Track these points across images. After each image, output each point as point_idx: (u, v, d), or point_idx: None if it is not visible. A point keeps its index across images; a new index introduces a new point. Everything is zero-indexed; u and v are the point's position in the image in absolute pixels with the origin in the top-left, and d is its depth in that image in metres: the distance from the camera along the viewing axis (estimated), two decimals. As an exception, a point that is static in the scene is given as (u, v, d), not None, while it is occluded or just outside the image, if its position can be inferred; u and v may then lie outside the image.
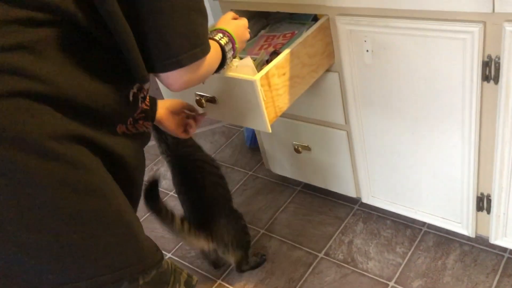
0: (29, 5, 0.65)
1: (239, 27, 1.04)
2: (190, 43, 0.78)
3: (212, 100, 1.17)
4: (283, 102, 1.16)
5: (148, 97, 0.90)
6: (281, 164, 1.75)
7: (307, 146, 1.57)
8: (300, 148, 1.59)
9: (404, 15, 1.08)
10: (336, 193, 1.68)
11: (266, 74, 1.08)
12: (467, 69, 1.05)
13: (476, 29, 0.98)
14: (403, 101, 1.22)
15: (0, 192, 0.63)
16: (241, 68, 1.16)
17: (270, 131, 1.14)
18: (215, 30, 0.99)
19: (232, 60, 1.09)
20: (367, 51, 1.20)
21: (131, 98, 0.82)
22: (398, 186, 1.42)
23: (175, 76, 0.80)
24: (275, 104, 1.14)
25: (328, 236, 1.59)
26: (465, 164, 1.22)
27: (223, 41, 0.96)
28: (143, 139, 0.90)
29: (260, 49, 1.35)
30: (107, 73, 0.75)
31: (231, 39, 1.00)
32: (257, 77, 1.06)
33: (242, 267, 1.51)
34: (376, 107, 1.29)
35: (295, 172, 1.73)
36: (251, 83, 1.05)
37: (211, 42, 0.96)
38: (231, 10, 1.43)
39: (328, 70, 1.32)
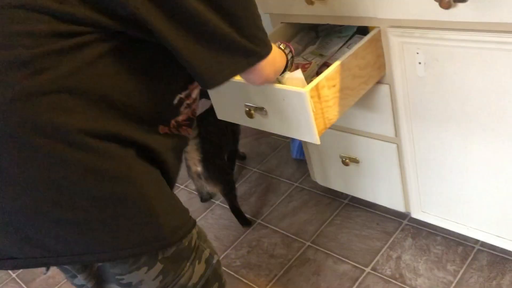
0: (68, 20, 0.68)
1: None
2: (262, 35, 0.82)
3: (261, 111, 1.18)
4: (332, 114, 1.16)
5: (194, 106, 0.93)
6: (328, 176, 1.74)
7: (355, 158, 1.56)
8: (348, 161, 1.58)
9: (458, 27, 1.06)
10: (384, 207, 1.65)
11: (316, 85, 1.08)
12: (526, 82, 1.02)
13: (537, 40, 0.95)
14: (457, 115, 1.19)
15: (33, 174, 0.68)
16: (291, 80, 1.17)
17: (319, 142, 1.14)
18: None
19: (287, 69, 1.11)
20: (420, 63, 1.18)
21: (175, 102, 0.85)
22: (450, 201, 1.38)
23: (258, 71, 0.85)
24: (324, 116, 1.13)
25: (375, 251, 1.56)
26: (523, 181, 1.18)
27: (282, 46, 1.05)
28: (183, 141, 0.93)
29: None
30: (152, 75, 0.78)
31: (287, 44, 1.08)
32: (307, 88, 1.06)
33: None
34: (428, 120, 1.26)
35: (342, 184, 1.71)
36: (300, 95, 1.06)
37: (274, 45, 0.99)
38: (281, 22, 1.45)
39: (378, 82, 1.31)
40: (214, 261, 0.96)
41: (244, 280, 1.60)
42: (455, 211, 1.39)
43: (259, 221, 1.83)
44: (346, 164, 1.59)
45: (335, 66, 1.13)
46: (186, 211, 0.89)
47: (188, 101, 0.89)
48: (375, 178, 1.56)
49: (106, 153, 0.72)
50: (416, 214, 1.52)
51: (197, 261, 0.91)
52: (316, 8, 1.28)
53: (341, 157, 1.59)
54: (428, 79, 1.19)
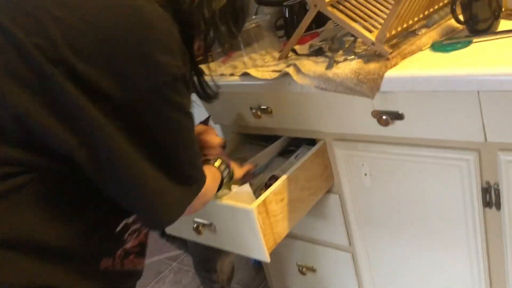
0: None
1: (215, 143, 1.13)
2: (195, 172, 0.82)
3: (210, 226, 1.15)
4: (282, 228, 1.14)
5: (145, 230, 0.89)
6: (286, 285, 1.68)
7: (312, 267, 1.52)
8: (304, 270, 1.53)
9: (400, 142, 1.09)
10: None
11: (263, 201, 1.07)
12: (467, 195, 1.04)
13: (471, 157, 0.98)
14: (406, 223, 1.20)
15: None
16: (240, 195, 1.15)
17: (269, 260, 1.10)
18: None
19: (230, 184, 1.11)
20: (366, 174, 1.20)
21: (118, 229, 0.81)
22: (409, 312, 1.34)
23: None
24: (274, 231, 1.11)
25: None
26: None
27: (217, 164, 1.04)
28: (127, 280, 0.87)
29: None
30: (90, 209, 0.75)
31: (225, 161, 1.07)
32: (254, 205, 1.05)
33: None
34: (380, 229, 1.26)
35: (300, 293, 1.65)
36: (247, 212, 1.04)
37: (208, 168, 0.98)
38: (232, 132, 1.47)
39: (328, 191, 1.32)
40: None
41: None
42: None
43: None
44: (303, 273, 1.54)
45: (282, 180, 1.13)
46: None
47: (135, 226, 0.85)
48: (332, 287, 1.51)
49: None
50: (376, 325, 1.46)
51: None
52: (263, 120, 1.31)
53: (298, 265, 1.55)
54: (375, 189, 1.20)
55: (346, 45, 1.15)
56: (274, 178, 1.23)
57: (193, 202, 0.82)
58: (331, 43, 1.18)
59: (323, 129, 1.21)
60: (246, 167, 1.21)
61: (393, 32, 1.02)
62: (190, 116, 0.78)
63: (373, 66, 0.98)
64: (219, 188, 1.05)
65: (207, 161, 1.06)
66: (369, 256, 1.33)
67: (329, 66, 1.06)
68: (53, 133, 0.65)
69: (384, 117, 1.05)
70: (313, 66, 1.09)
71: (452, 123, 0.97)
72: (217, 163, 1.06)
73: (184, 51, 0.74)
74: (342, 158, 1.22)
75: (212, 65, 1.33)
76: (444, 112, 0.97)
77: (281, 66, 1.15)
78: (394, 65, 0.98)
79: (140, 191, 0.72)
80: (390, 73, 0.96)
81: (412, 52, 1.02)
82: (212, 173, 1.00)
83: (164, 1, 0.77)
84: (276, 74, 1.13)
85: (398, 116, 1.04)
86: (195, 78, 0.92)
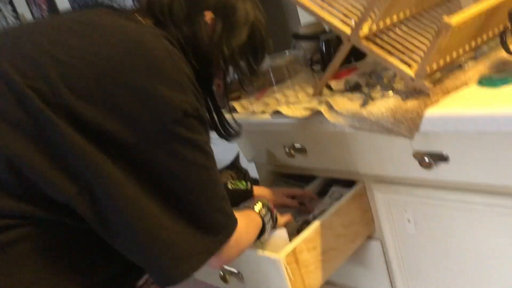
0: None
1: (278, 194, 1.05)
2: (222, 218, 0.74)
3: (237, 275, 1.07)
4: (315, 280, 1.04)
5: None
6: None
7: (353, 318, 1.40)
8: (345, 320, 1.41)
9: (446, 186, 0.98)
10: None
11: (293, 250, 0.99)
12: (525, 249, 0.91)
13: (529, 205, 0.86)
14: (457, 278, 1.07)
15: None
16: (274, 240, 1.08)
17: (300, 315, 1.01)
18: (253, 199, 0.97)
19: (264, 232, 1.03)
20: (409, 221, 1.09)
21: (140, 283, 0.75)
22: None
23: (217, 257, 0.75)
24: (305, 283, 1.02)
25: None
26: None
27: (260, 210, 0.96)
28: None
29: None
30: (105, 263, 0.70)
31: (266, 204, 0.99)
32: (282, 255, 0.96)
33: None
34: (425, 280, 1.13)
35: None
36: (275, 262, 0.96)
37: (247, 213, 0.91)
38: (266, 171, 1.40)
39: (369, 237, 1.21)
40: None
41: None
42: None
43: None
44: (343, 324, 1.42)
45: (314, 227, 1.04)
46: None
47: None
48: None
49: None
50: None
51: None
52: (298, 160, 1.24)
53: (338, 315, 1.43)
54: (419, 237, 1.09)
55: (385, 80, 1.06)
56: (307, 223, 1.15)
57: (225, 251, 0.75)
58: (369, 78, 1.10)
59: (361, 170, 1.12)
60: (288, 216, 1.11)
61: (435, 66, 0.93)
62: (207, 154, 0.71)
63: (411, 104, 0.89)
64: (260, 235, 0.96)
65: (247, 206, 0.98)
66: (416, 311, 1.20)
67: (364, 104, 0.97)
68: (50, 180, 0.61)
69: (426, 159, 0.95)
70: (347, 104, 1.01)
71: (503, 167, 0.86)
72: (257, 207, 0.97)
73: (197, 87, 0.69)
74: (383, 202, 1.12)
75: (244, 102, 1.28)
76: (494, 154, 0.85)
77: (314, 103, 1.08)
78: (436, 103, 0.88)
79: (148, 242, 0.66)
80: (431, 112, 0.87)
81: (456, 88, 0.91)
82: (250, 218, 0.92)
83: (183, 40, 0.73)
84: (307, 112, 1.05)
85: (442, 158, 0.94)
86: (215, 116, 0.87)
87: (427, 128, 0.88)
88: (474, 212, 0.96)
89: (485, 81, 0.90)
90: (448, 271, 1.08)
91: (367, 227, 1.17)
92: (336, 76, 1.19)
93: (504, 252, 0.95)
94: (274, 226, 1.03)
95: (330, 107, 1.01)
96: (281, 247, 1.04)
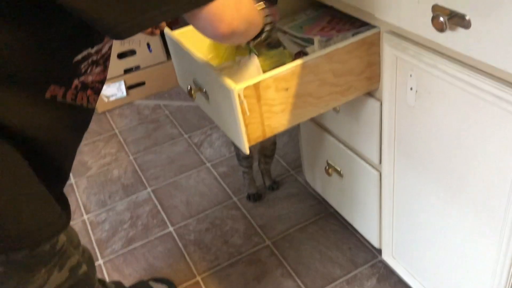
0: None
1: None
2: None
3: (202, 92, 0.98)
4: (278, 122, 0.93)
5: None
6: (315, 178, 1.51)
7: (340, 171, 1.31)
8: (330, 171, 1.34)
9: (457, 58, 0.76)
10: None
11: (256, 84, 0.86)
12: (519, 162, 0.72)
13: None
14: (440, 164, 0.91)
15: None
16: (245, 67, 0.95)
17: (248, 152, 0.93)
18: None
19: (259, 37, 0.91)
20: (411, 89, 0.90)
21: (78, 58, 0.68)
22: (420, 259, 1.12)
23: (212, 15, 0.61)
24: (264, 122, 0.91)
25: (330, 279, 1.35)
26: (496, 276, 0.89)
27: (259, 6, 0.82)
28: (75, 114, 0.75)
29: (321, 30, 1.10)
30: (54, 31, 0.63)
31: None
32: (239, 87, 0.84)
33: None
34: (411, 160, 0.99)
35: (326, 191, 1.49)
36: (229, 92, 0.85)
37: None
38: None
39: (371, 96, 1.04)
40: (81, 271, 0.83)
41: (186, 258, 1.48)
42: (423, 273, 1.13)
43: (235, 199, 1.67)
44: (329, 174, 1.35)
45: (291, 66, 0.88)
46: (55, 211, 0.73)
47: (95, 57, 0.72)
48: (355, 200, 1.31)
49: None
50: (386, 257, 1.27)
51: (57, 268, 0.77)
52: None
53: (327, 163, 1.35)
54: (417, 111, 0.91)
55: None
56: (302, 54, 0.99)
57: (225, 12, 0.62)
58: None
59: (376, 13, 0.90)
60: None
61: None
62: None
63: None
64: (257, 37, 0.85)
65: None
66: (394, 183, 1.09)
67: None
68: None
69: (441, 18, 0.71)
70: None
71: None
72: (259, 5, 0.83)
73: None
74: (390, 59, 0.92)
75: None
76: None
77: None
78: None
79: None
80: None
81: None
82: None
83: None
84: None
85: (462, 22, 0.70)
86: None
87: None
88: (480, 100, 0.75)
89: None
90: (435, 157, 0.92)
91: (368, 83, 1.00)
92: None
93: (498, 155, 0.77)
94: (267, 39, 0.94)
95: None
96: (251, 76, 0.92)
